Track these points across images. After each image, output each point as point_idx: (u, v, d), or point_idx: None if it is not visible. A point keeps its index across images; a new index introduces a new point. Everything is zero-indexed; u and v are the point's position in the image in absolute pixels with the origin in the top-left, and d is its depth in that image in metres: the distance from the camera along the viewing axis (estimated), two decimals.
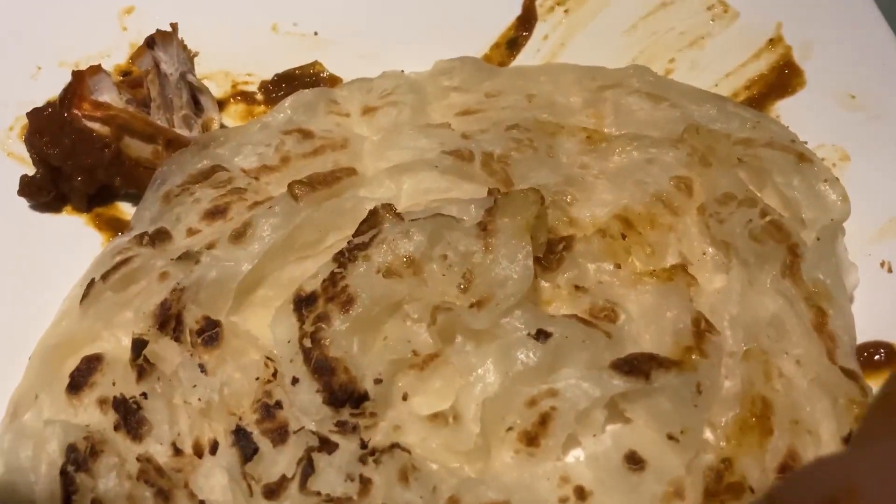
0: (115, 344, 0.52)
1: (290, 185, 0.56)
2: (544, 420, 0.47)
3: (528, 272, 0.50)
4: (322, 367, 0.48)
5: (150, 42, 0.63)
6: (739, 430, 0.47)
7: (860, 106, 0.69)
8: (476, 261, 0.51)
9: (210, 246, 0.54)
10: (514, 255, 0.51)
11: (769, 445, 0.47)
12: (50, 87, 0.68)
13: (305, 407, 0.48)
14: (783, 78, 0.71)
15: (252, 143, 0.61)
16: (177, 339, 0.51)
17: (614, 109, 0.64)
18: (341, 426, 0.47)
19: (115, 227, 0.63)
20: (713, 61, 0.73)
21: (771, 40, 0.73)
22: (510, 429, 0.47)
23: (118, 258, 0.54)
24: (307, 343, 0.49)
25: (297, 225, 0.55)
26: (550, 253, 0.54)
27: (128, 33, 0.73)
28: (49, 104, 0.63)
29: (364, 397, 0.48)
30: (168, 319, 0.51)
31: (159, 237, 0.56)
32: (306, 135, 0.62)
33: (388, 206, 0.55)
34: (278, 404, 0.48)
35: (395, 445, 0.47)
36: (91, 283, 0.54)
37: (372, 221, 0.54)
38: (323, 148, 0.61)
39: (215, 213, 0.56)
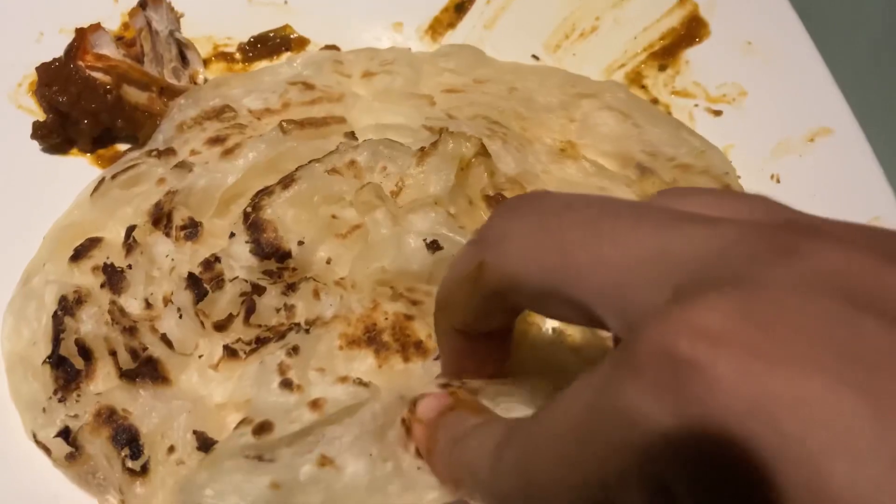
0: (116, 233, 0.62)
1: (280, 122, 0.66)
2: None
3: (448, 183, 0.60)
4: (255, 225, 0.58)
5: (143, 3, 0.73)
6: None
7: (756, 52, 0.80)
8: (409, 172, 0.62)
9: (204, 161, 0.64)
10: (440, 171, 0.60)
11: None
12: (52, 50, 0.77)
13: (237, 255, 0.58)
14: (691, 30, 0.83)
15: (260, 90, 0.72)
16: (167, 235, 0.61)
17: (583, 118, 0.73)
18: (268, 275, 0.57)
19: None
20: (633, 18, 0.84)
21: None
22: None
23: (128, 164, 0.65)
24: (249, 209, 0.60)
25: (280, 152, 0.65)
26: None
27: (119, 5, 0.83)
28: (55, 59, 0.73)
29: (287, 255, 0.58)
30: (161, 217, 0.61)
31: (166, 153, 0.66)
32: (308, 87, 0.72)
33: (349, 133, 0.66)
34: (217, 259, 0.58)
35: (309, 278, 0.57)
36: (102, 180, 0.65)
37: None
38: (321, 99, 0.71)
39: (216, 141, 0.66)
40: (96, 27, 0.72)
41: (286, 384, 0.51)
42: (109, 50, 0.71)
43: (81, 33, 0.71)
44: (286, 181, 0.61)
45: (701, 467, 0.25)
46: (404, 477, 0.49)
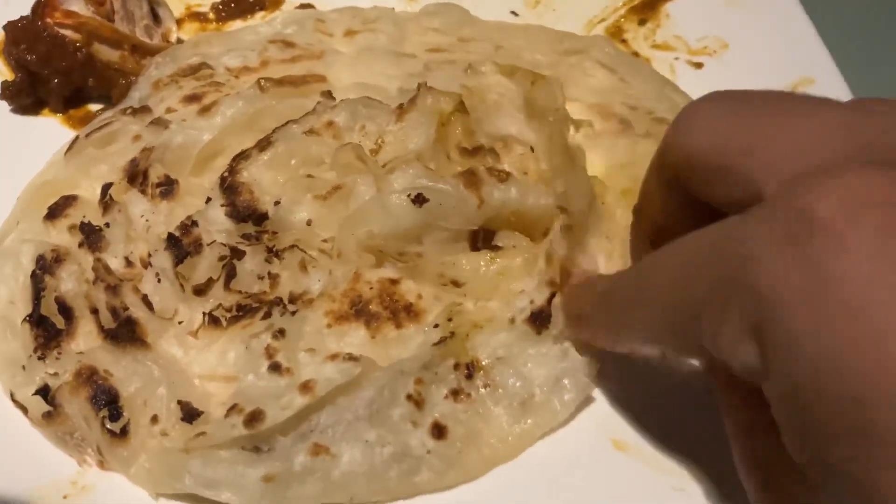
0: (91, 192, 0.61)
1: (258, 79, 0.64)
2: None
3: (428, 139, 0.59)
4: (230, 189, 0.58)
5: None
6: None
7: (737, 3, 0.80)
8: (388, 129, 0.61)
9: (180, 119, 0.63)
10: (420, 127, 0.60)
11: None
12: (19, 9, 0.74)
13: (213, 219, 0.57)
14: None
15: (239, 48, 0.70)
16: (142, 193, 0.59)
17: (569, 72, 0.72)
18: (246, 238, 0.56)
19: (87, 124, 0.70)
20: None
21: None
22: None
23: (102, 122, 0.63)
24: (225, 174, 0.59)
25: (258, 109, 0.63)
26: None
27: None
28: (23, 17, 0.71)
29: (264, 216, 0.57)
30: (136, 175, 0.60)
31: (142, 111, 0.64)
32: (289, 45, 0.71)
33: (327, 93, 0.65)
34: (194, 223, 0.57)
35: (294, 246, 0.56)
36: (76, 139, 0.63)
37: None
38: (300, 57, 0.70)
39: (192, 98, 0.65)
40: None
41: (275, 368, 0.51)
42: (78, 6, 0.69)
43: None
44: (263, 144, 0.60)
45: (798, 323, 0.26)
46: (409, 459, 0.49)
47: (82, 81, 0.69)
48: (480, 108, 0.65)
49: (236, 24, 0.78)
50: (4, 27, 0.70)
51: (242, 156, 0.60)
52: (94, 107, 0.71)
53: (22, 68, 0.68)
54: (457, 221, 0.56)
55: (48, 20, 0.68)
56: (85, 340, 0.54)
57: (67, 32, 0.68)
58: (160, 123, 0.63)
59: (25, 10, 0.73)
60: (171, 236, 0.56)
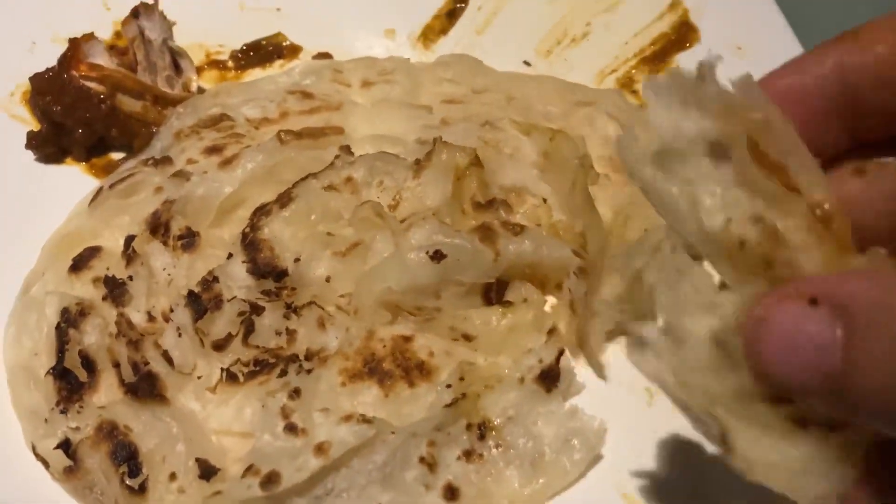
0: (114, 242, 0.63)
1: (278, 132, 0.66)
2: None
3: (445, 195, 0.61)
4: (251, 245, 0.59)
5: (136, 12, 0.73)
6: None
7: (746, 56, 0.81)
8: (406, 185, 0.62)
9: (202, 170, 0.64)
10: (437, 183, 0.61)
11: None
12: (45, 60, 0.77)
13: (234, 275, 0.59)
14: (681, 35, 0.83)
15: (259, 98, 0.72)
16: (164, 244, 0.61)
17: (580, 124, 0.72)
18: (266, 293, 0.58)
19: (109, 173, 0.72)
20: (623, 23, 0.85)
21: (671, 4, 0.86)
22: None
23: (125, 173, 0.65)
24: (247, 229, 0.60)
25: (278, 162, 0.65)
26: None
27: (111, 13, 0.83)
28: (49, 69, 0.72)
29: (284, 273, 0.58)
30: (158, 226, 0.62)
31: (163, 162, 0.66)
32: (307, 96, 0.73)
33: (345, 148, 0.66)
34: (215, 279, 0.59)
35: (312, 302, 0.58)
36: (100, 190, 0.65)
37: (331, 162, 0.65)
38: (319, 108, 0.72)
39: (213, 150, 0.67)
40: (89, 37, 0.72)
41: (290, 428, 0.52)
42: (103, 59, 0.71)
43: (75, 43, 0.71)
44: (283, 199, 0.61)
45: None
46: None
47: (105, 131, 0.71)
48: (495, 160, 0.66)
49: (255, 73, 0.80)
50: (31, 79, 0.71)
51: (263, 211, 0.62)
52: (116, 155, 0.73)
53: (47, 119, 0.70)
54: (473, 275, 0.58)
55: (74, 72, 0.70)
56: (106, 393, 0.56)
57: (92, 84, 0.70)
58: (182, 176, 0.65)
59: (50, 56, 0.76)
60: (191, 293, 0.58)
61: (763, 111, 0.34)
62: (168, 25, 0.75)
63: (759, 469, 0.31)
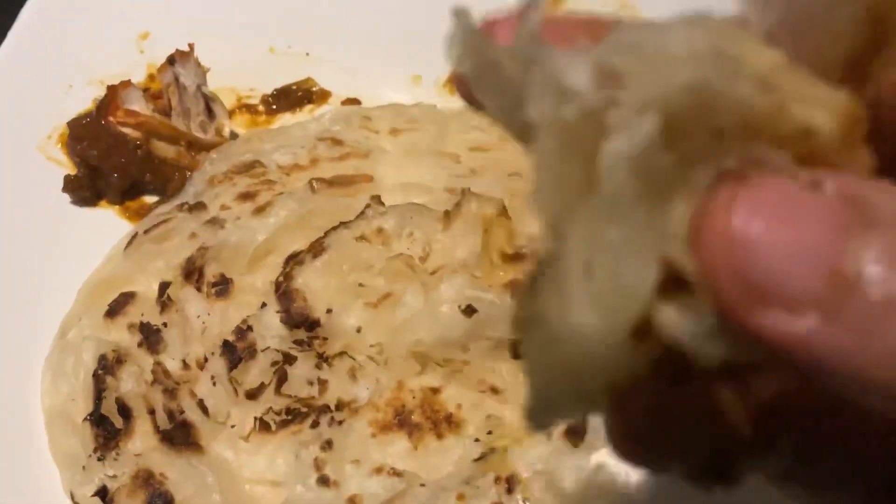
0: (147, 287, 0.64)
1: (310, 180, 0.68)
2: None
3: (474, 249, 0.62)
4: (285, 295, 0.60)
5: (172, 59, 0.75)
6: None
7: None
8: (436, 237, 0.64)
9: (236, 218, 0.66)
10: (466, 235, 0.63)
11: None
12: (80, 102, 0.79)
13: (268, 325, 0.60)
14: None
15: (289, 145, 0.73)
16: (198, 290, 0.63)
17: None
18: (298, 343, 0.59)
19: (142, 216, 0.74)
20: None
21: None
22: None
23: (160, 219, 0.67)
24: (280, 278, 0.62)
25: (309, 209, 0.67)
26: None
27: (144, 55, 0.85)
28: (86, 114, 0.74)
29: (317, 323, 0.60)
30: (192, 272, 0.63)
31: (197, 207, 0.68)
32: (337, 142, 0.74)
33: (376, 197, 0.68)
34: (249, 328, 0.60)
35: (343, 353, 0.59)
36: (135, 235, 0.67)
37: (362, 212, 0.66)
38: (348, 155, 0.73)
39: (246, 196, 0.68)
40: (126, 84, 0.74)
41: (323, 480, 0.53)
42: (139, 106, 0.73)
43: (112, 90, 0.73)
44: (316, 249, 0.62)
45: None
46: None
47: (140, 176, 0.73)
48: (522, 209, 0.68)
49: (285, 117, 0.82)
50: (69, 124, 0.73)
51: (296, 260, 0.63)
52: (149, 199, 0.75)
53: (84, 163, 0.72)
54: (502, 330, 0.59)
55: (111, 119, 0.72)
56: (142, 440, 0.57)
57: (129, 131, 0.72)
58: (216, 223, 0.66)
59: (86, 98, 0.78)
60: (226, 343, 0.59)
61: None
62: (202, 72, 0.77)
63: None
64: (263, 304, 0.61)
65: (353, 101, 0.83)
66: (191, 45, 0.76)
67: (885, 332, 0.17)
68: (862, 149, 0.21)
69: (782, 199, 0.19)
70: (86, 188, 0.73)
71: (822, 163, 0.20)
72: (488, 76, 0.24)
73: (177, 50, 0.75)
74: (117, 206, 0.74)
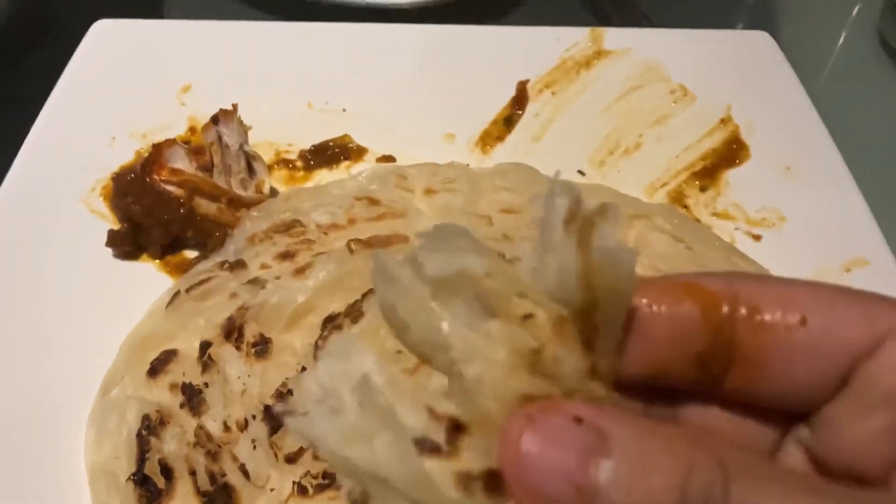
0: (188, 344, 0.66)
1: (348, 242, 0.69)
2: None
3: None
4: None
5: (216, 119, 0.77)
6: None
7: (794, 177, 0.84)
8: None
9: (276, 277, 0.67)
10: None
11: None
12: (123, 154, 0.82)
13: (308, 390, 0.60)
14: (732, 151, 0.86)
15: (328, 204, 0.75)
16: (237, 348, 0.64)
17: (636, 239, 0.76)
18: None
19: (182, 270, 0.75)
20: (675, 136, 0.88)
21: (722, 119, 0.89)
22: None
23: (201, 276, 0.69)
24: (319, 342, 0.63)
25: (347, 271, 0.68)
26: None
27: (185, 108, 0.87)
28: (130, 170, 0.76)
29: None
30: (232, 331, 0.65)
31: (237, 266, 0.69)
32: (373, 202, 0.76)
33: None
34: (290, 392, 0.62)
35: None
36: (177, 293, 0.68)
37: None
38: (385, 215, 0.75)
39: (286, 256, 0.70)
40: (171, 143, 0.76)
41: None
42: (183, 164, 0.75)
43: (157, 148, 0.75)
44: (354, 314, 0.64)
45: None
46: None
47: (182, 232, 0.74)
48: None
49: (322, 173, 0.84)
50: (113, 180, 0.75)
51: (334, 324, 0.64)
52: (189, 253, 0.76)
53: (127, 219, 0.74)
54: None
55: (155, 177, 0.73)
56: (183, 501, 0.58)
57: (172, 189, 0.73)
58: (257, 283, 0.68)
59: (128, 150, 0.81)
60: (267, 409, 0.60)
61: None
62: (244, 130, 0.79)
63: None
64: (303, 368, 0.63)
65: (389, 158, 0.85)
66: (234, 105, 0.78)
67: None
68: (577, 350, 0.29)
69: (555, 429, 0.27)
70: (128, 243, 0.74)
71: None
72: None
73: (221, 109, 0.77)
74: (158, 261, 0.76)
